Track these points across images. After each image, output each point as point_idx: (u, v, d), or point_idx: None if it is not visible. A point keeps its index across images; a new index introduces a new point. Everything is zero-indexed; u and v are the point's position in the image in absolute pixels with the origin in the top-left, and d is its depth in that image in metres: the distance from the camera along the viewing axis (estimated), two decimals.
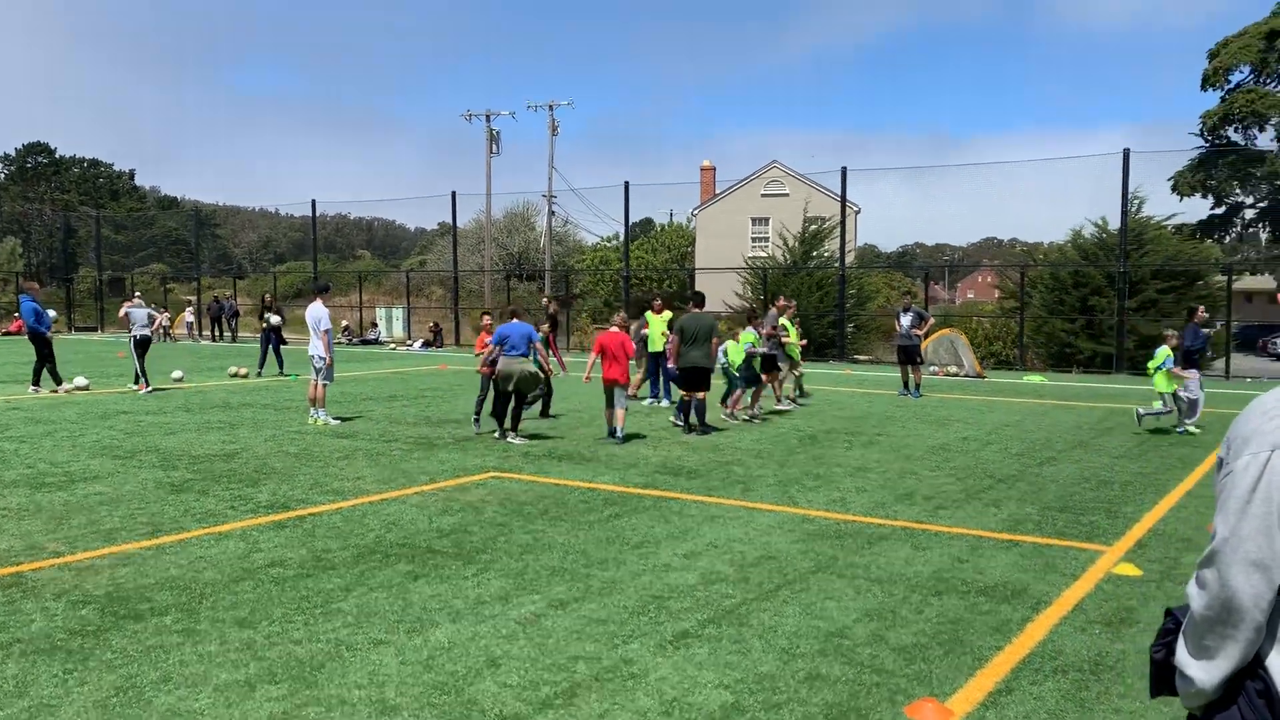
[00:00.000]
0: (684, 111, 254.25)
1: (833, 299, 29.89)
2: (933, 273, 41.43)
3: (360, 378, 22.25)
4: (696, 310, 13.78)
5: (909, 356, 19.14)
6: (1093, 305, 26.83)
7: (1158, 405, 13.93)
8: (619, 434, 12.60)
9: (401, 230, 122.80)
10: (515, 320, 12.77)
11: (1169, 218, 29.42)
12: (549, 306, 19.04)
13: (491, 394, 12.98)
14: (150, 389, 18.28)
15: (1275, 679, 1.95)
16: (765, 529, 7.98)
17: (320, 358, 14.22)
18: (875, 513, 8.63)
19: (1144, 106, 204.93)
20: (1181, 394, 13.90)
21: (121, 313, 19.85)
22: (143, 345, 18.69)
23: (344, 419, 14.54)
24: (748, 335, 14.96)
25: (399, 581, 6.43)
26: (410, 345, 36.49)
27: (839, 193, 29.93)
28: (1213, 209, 48.16)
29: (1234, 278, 28.55)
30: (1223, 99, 45.91)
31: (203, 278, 48.95)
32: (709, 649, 5.27)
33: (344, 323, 39.73)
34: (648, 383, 17.23)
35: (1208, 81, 45.92)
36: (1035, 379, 23.54)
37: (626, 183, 32.81)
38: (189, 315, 42.29)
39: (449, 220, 39.24)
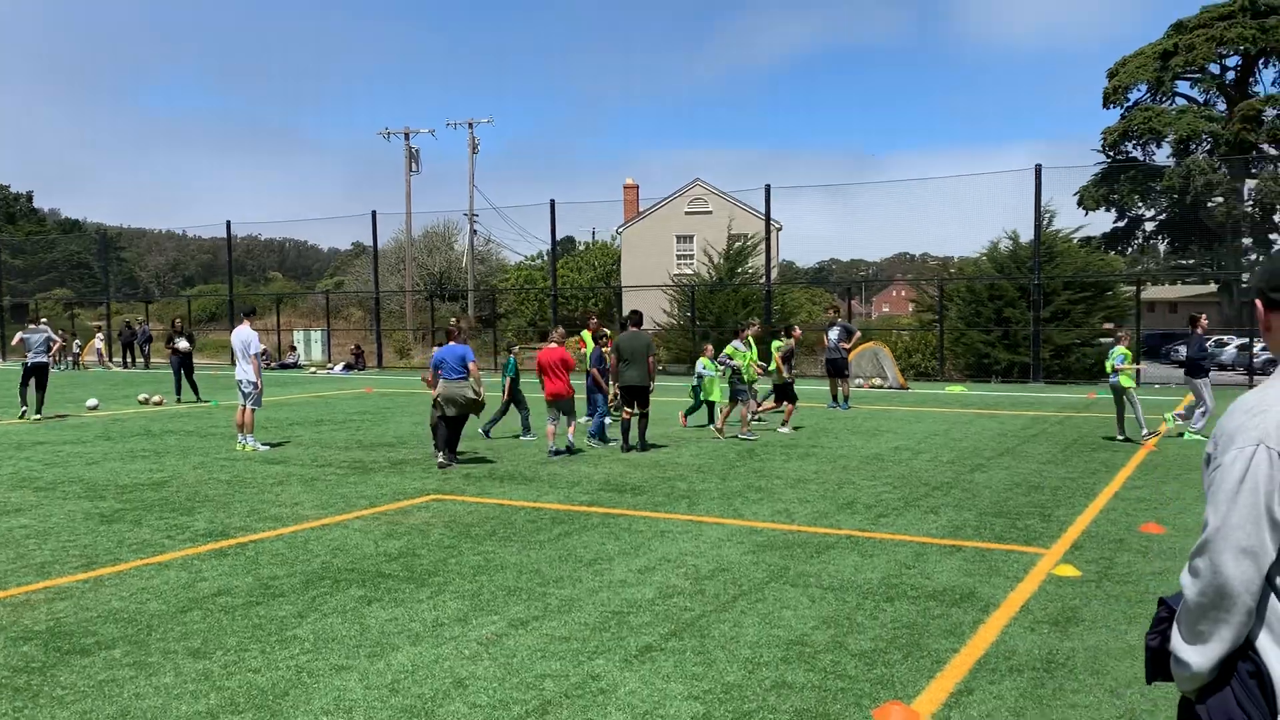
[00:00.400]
0: (605, 130, 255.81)
1: (759, 315, 30.26)
2: (851, 288, 42.26)
3: (283, 402, 21.78)
4: (634, 329, 13.84)
5: (837, 370, 19.49)
6: (1008, 317, 27.63)
7: (1182, 410, 14.59)
8: (570, 446, 12.69)
9: (314, 251, 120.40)
10: (451, 343, 12.67)
11: (1076, 230, 30.59)
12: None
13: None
14: (27, 417, 17.58)
15: (1265, 659, 2.07)
16: (715, 542, 8.05)
17: (250, 382, 13.89)
18: (820, 522, 8.77)
19: (1050, 123, 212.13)
20: (1181, 410, 14.63)
21: (16, 339, 19.00)
22: (36, 372, 17.68)
23: (273, 444, 14.24)
24: (739, 353, 15.02)
25: (353, 606, 6.33)
26: (331, 368, 35.85)
27: (761, 210, 30.35)
28: (1116, 222, 50.19)
29: (1140, 288, 29.73)
30: (1122, 116, 47.93)
31: (111, 302, 47.42)
32: (674, 661, 5.30)
33: (262, 347, 38.83)
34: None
35: (1109, 99, 47.89)
36: (956, 389, 24.16)
37: (553, 200, 32.68)
38: (98, 341, 40.92)
39: (364, 240, 38.93)
